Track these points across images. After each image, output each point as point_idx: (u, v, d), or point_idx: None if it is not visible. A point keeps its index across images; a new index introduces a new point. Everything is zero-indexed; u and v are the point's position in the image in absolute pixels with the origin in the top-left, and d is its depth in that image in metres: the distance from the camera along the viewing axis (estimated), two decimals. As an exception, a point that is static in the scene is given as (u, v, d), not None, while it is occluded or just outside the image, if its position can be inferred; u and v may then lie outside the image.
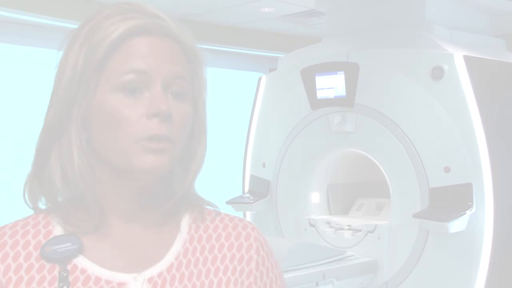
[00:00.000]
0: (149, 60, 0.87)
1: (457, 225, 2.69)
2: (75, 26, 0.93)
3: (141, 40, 0.88)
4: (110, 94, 0.87)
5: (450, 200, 2.79)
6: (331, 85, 3.15)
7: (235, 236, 0.97)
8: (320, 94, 3.19)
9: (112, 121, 0.86)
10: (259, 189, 3.59)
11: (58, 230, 0.91)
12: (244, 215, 3.68)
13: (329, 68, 3.16)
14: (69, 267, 0.87)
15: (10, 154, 4.39)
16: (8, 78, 4.32)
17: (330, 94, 3.16)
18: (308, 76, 3.22)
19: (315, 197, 3.48)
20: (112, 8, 0.90)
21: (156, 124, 0.86)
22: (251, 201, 3.52)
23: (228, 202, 3.55)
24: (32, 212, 0.95)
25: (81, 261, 0.88)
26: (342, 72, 3.09)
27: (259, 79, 3.72)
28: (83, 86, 0.87)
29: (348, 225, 3.23)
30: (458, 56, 2.81)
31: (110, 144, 0.87)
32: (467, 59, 2.80)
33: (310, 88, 3.21)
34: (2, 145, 4.39)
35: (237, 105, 5.46)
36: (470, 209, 2.71)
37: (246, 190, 3.70)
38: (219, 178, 5.38)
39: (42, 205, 0.93)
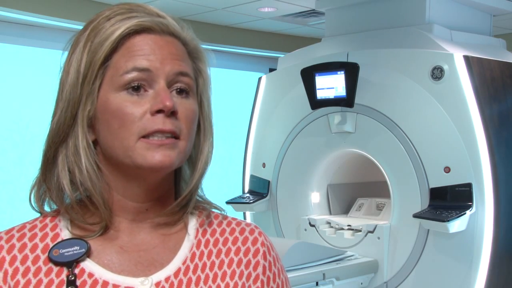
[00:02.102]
0: (151, 58, 0.87)
1: (457, 225, 2.70)
2: (75, 27, 0.95)
3: (143, 38, 0.88)
4: (114, 93, 0.87)
5: (450, 200, 2.79)
6: (331, 85, 3.15)
7: (242, 241, 0.96)
8: (320, 94, 3.19)
9: (117, 119, 0.87)
10: (259, 189, 3.59)
11: (65, 233, 0.91)
12: (244, 215, 3.68)
13: (329, 68, 3.16)
14: (76, 271, 0.87)
15: (9, 154, 4.38)
16: (8, 78, 4.31)
17: (330, 94, 3.16)
18: (308, 76, 3.22)
19: (315, 197, 3.48)
20: (112, 8, 0.91)
21: (160, 119, 0.86)
22: (251, 201, 3.51)
23: (228, 202, 3.55)
24: (35, 215, 0.95)
25: (88, 265, 0.88)
26: (342, 72, 3.10)
27: (259, 79, 3.72)
28: (87, 87, 0.88)
29: (348, 225, 3.23)
30: (458, 56, 2.81)
31: (116, 142, 0.87)
32: (467, 59, 2.80)
33: (310, 88, 3.21)
34: (1, 145, 4.38)
35: (237, 105, 5.46)
36: (470, 209, 2.72)
37: (246, 190, 3.70)
38: (219, 178, 5.38)
39: (47, 208, 0.93)
